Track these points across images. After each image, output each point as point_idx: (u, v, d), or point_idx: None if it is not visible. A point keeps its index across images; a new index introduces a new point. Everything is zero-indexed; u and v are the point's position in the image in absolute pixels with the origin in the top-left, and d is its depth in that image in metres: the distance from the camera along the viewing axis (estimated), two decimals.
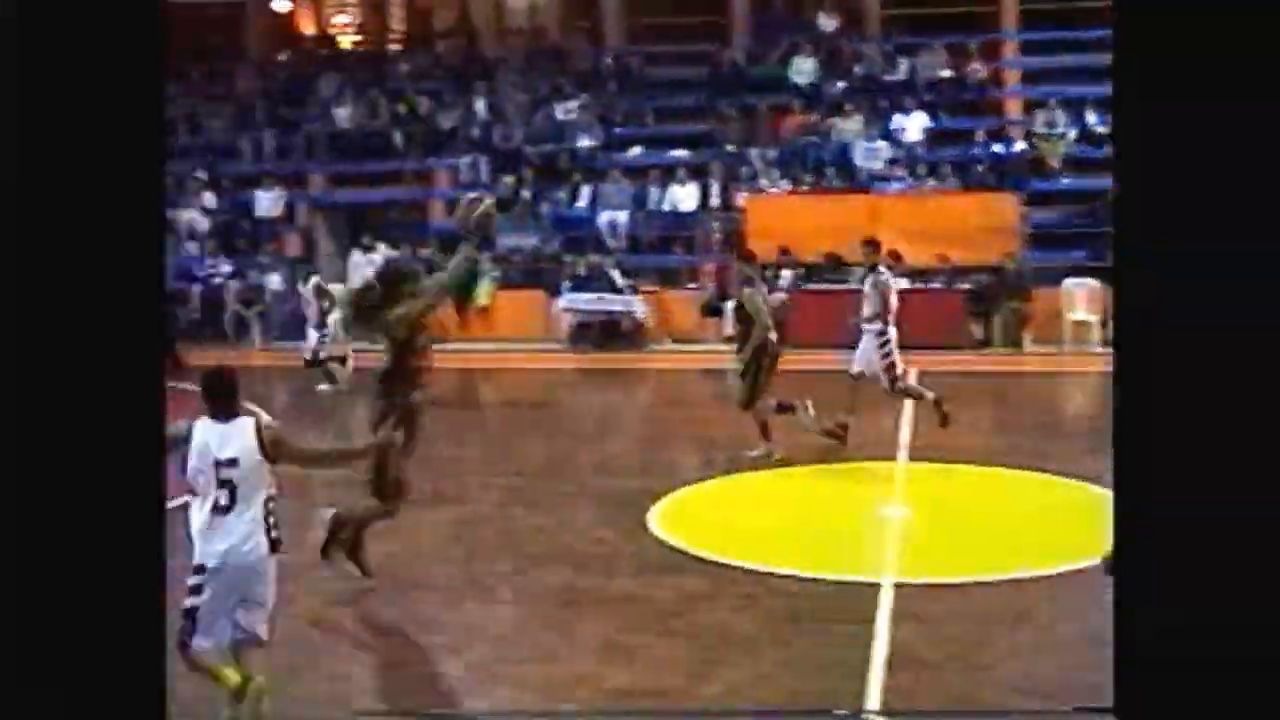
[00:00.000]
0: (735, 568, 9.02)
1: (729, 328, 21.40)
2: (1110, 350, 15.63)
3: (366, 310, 8.76)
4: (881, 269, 13.09)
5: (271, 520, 6.04)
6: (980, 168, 22.75)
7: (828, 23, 25.78)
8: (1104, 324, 20.52)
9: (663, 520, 10.26)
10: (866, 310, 12.92)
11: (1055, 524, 10.44)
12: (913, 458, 12.66)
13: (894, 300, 12.90)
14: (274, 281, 23.50)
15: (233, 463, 5.93)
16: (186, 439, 5.92)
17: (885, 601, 8.17)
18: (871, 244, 13.47)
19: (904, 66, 24.82)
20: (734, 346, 12.81)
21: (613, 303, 21.95)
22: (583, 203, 24.19)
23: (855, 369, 13.08)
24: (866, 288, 13.03)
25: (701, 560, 9.24)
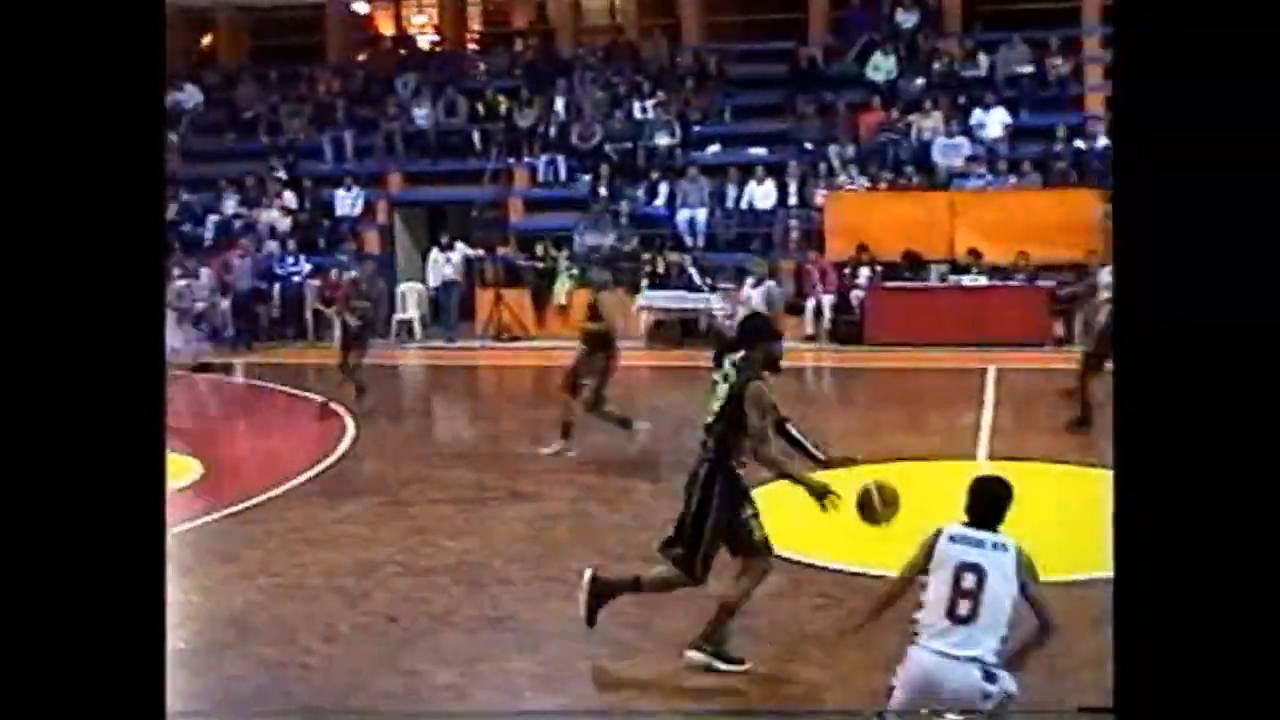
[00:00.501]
0: (815, 566, 8.97)
1: (809, 326, 21.37)
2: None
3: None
4: None
5: None
6: (1061, 164, 22.49)
7: (906, 18, 25.59)
8: None
9: None
10: None
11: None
12: (992, 456, 12.53)
13: None
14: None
15: None
16: None
17: None
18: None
19: (984, 62, 24.60)
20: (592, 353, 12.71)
21: (691, 300, 21.93)
22: (660, 201, 24.18)
23: None
24: None
25: (781, 559, 9.18)
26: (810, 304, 21.39)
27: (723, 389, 7.09)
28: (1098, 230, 16.91)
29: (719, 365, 7.24)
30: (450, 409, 19.07)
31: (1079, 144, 22.75)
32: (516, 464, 12.57)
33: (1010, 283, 20.66)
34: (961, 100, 23.90)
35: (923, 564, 5.74)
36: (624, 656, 7.42)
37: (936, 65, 24.77)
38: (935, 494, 11.30)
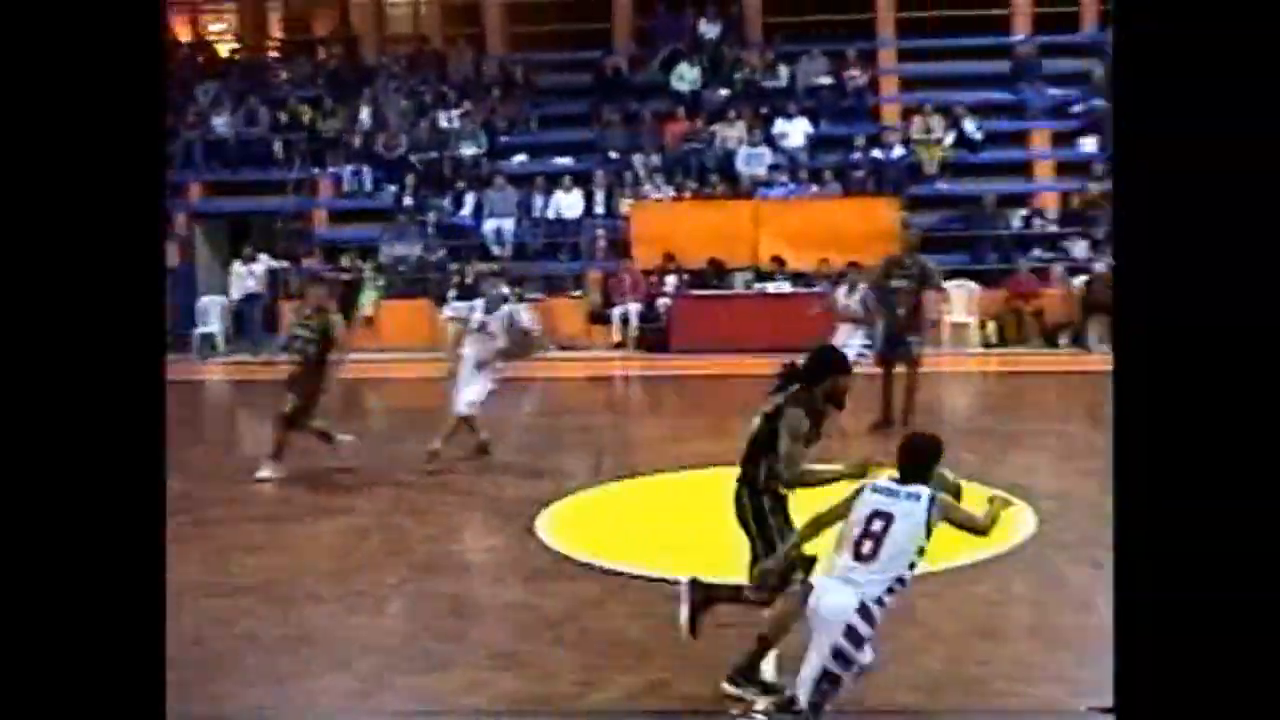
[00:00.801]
0: (626, 574, 9.05)
1: (616, 335, 21.51)
2: (985, 351, 15.90)
3: None
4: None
5: None
6: (860, 173, 23.05)
7: (710, 29, 25.96)
8: (982, 326, 20.88)
9: (552, 527, 10.26)
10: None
11: None
12: None
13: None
14: None
15: None
16: None
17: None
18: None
19: (785, 73, 25.07)
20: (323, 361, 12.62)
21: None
22: (467, 211, 24.11)
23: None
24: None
25: (592, 567, 9.25)
26: (618, 312, 21.55)
27: (758, 417, 7.08)
28: (896, 237, 17.35)
29: (778, 391, 7.12)
30: (256, 424, 18.72)
31: (876, 153, 23.34)
32: (324, 478, 12.42)
33: (814, 289, 21.06)
34: (764, 110, 24.33)
35: (843, 510, 6.18)
36: (438, 669, 7.40)
37: (739, 75, 25.17)
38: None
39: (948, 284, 20.87)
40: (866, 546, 5.96)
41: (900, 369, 13.98)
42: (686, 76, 25.23)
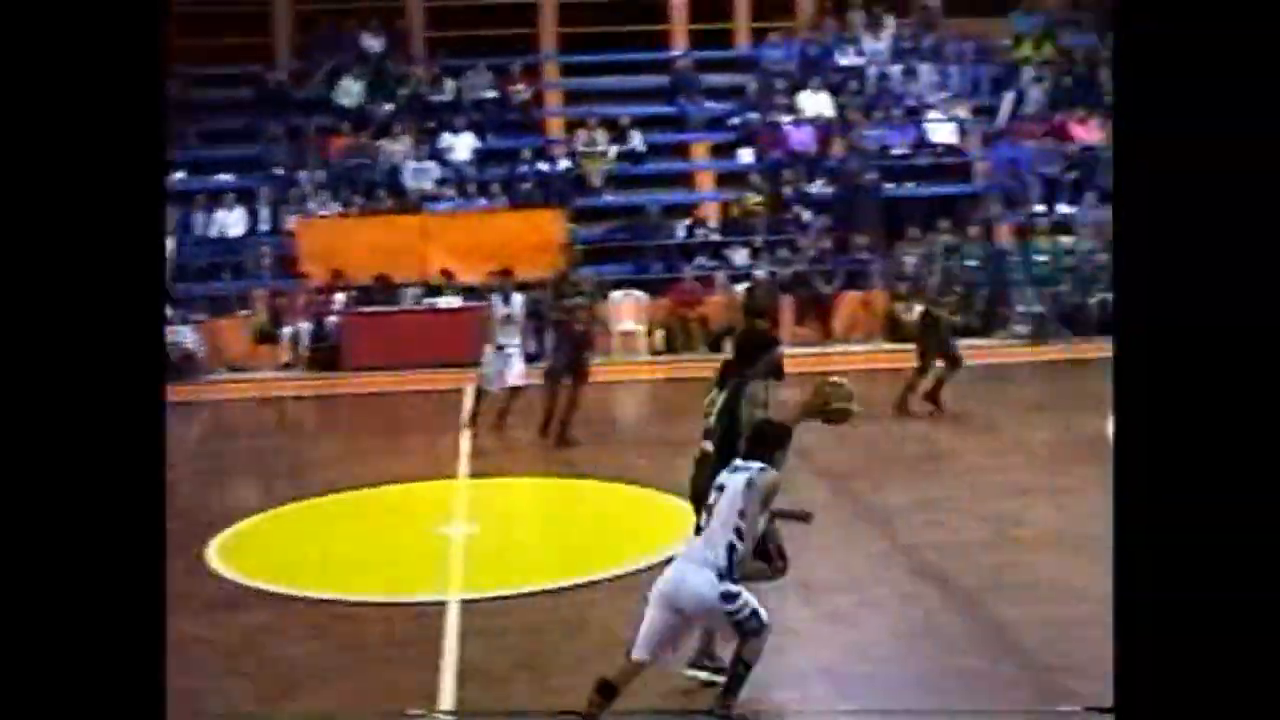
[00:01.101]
0: (301, 599, 8.95)
1: (286, 354, 21.12)
2: (653, 359, 16.27)
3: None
4: None
5: None
6: (527, 186, 23.29)
7: (373, 43, 25.78)
8: (649, 333, 21.40)
9: (222, 555, 10.06)
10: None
11: (611, 528, 10.89)
12: (473, 474, 12.87)
13: None
14: None
15: None
16: None
17: (453, 619, 8.32)
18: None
19: (450, 87, 25.11)
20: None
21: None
22: None
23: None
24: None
25: (265, 594, 9.11)
26: (287, 331, 21.17)
27: (720, 396, 7.54)
28: (562, 249, 17.61)
29: (721, 385, 7.61)
30: None
31: (542, 166, 23.64)
32: None
33: (484, 303, 21.18)
34: (430, 124, 24.31)
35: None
36: None
37: (404, 90, 25.08)
38: (419, 516, 11.52)
39: (615, 294, 21.40)
40: (704, 519, 6.56)
41: (566, 382, 14.22)
42: (351, 91, 24.99)
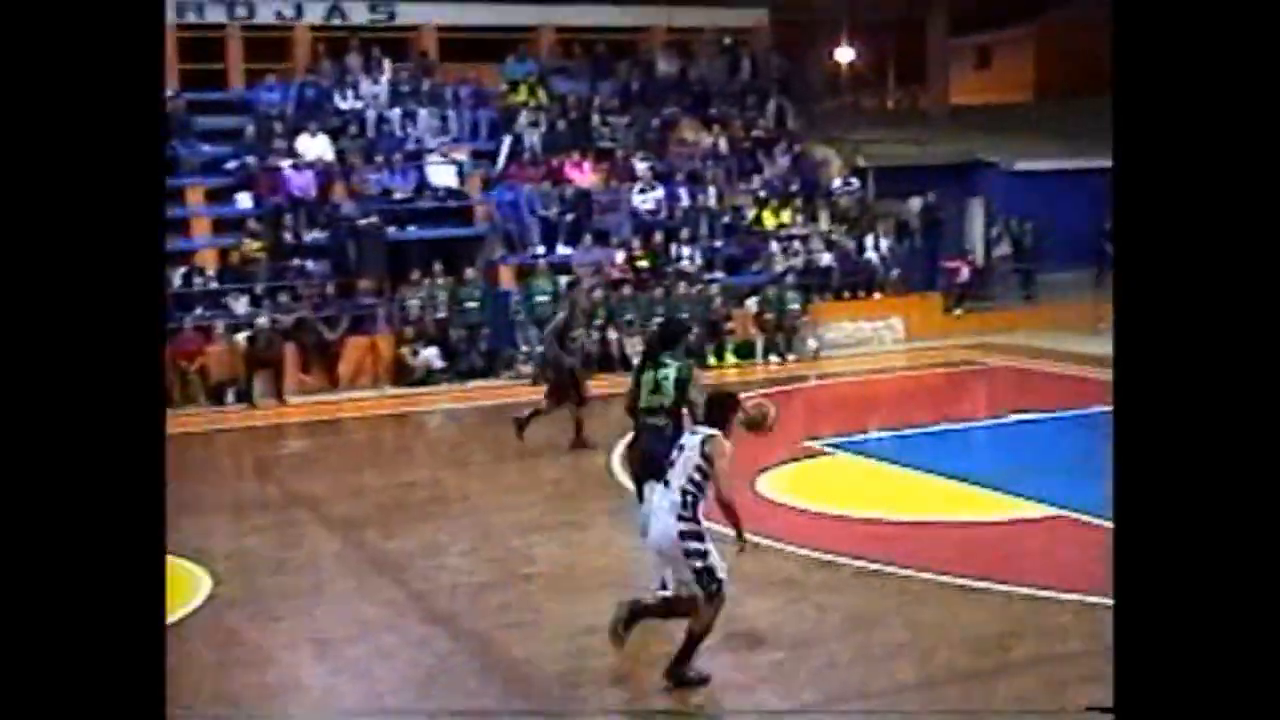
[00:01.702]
0: None
1: None
2: None
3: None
4: None
5: None
6: None
7: None
8: None
9: None
10: None
11: None
12: None
13: None
14: None
15: None
16: None
17: None
18: None
19: None
20: None
21: None
22: None
23: None
24: None
25: None
26: None
27: (670, 374, 9.34)
28: None
29: (654, 360, 9.50)
30: None
31: None
32: None
33: None
34: None
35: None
36: None
37: None
38: None
39: None
40: (669, 473, 7.96)
41: None
42: None
